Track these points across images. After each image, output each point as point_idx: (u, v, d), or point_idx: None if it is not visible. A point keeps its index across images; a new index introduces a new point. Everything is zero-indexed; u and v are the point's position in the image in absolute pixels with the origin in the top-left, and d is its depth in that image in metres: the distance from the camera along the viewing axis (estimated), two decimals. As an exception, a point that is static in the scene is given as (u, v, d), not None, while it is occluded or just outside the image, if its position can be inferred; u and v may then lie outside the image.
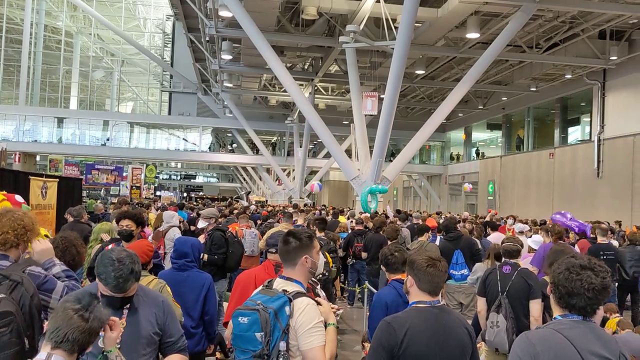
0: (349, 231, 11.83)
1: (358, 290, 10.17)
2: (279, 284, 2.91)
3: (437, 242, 8.73)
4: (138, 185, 34.49)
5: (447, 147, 44.34)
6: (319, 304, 2.91)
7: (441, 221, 10.42)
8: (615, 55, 22.13)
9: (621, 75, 23.48)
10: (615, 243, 10.45)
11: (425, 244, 8.08)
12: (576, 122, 29.52)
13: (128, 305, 2.86)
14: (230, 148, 45.74)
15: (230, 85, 30.86)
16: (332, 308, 3.12)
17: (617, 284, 8.94)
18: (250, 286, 3.78)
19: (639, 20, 20.61)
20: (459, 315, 2.97)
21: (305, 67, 29.48)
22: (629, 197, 22.48)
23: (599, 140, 24.60)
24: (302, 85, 29.49)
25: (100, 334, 2.46)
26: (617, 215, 20.66)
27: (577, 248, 8.62)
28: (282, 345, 2.69)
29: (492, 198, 34.00)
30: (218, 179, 76.04)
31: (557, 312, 2.37)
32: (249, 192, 50.46)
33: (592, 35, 21.85)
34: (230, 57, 24.10)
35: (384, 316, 3.77)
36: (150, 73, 52.40)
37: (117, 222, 5.57)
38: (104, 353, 2.55)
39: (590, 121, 26.01)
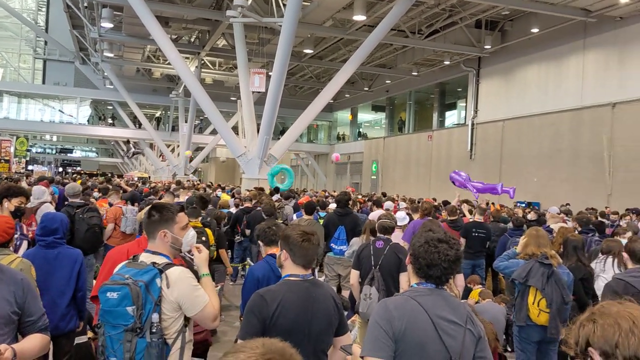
0: (232, 208, 11.77)
1: (241, 267, 10.18)
2: (145, 257, 2.87)
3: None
4: (7, 158, 31.87)
5: (334, 126, 45.24)
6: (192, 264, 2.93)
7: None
8: (489, 45, 23.60)
9: (494, 63, 25.12)
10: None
11: (312, 223, 8.21)
12: (453, 106, 31.26)
13: None
14: (111, 121, 43.51)
15: (111, 55, 29.23)
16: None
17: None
18: (122, 261, 3.65)
19: (510, 12, 22.08)
20: (328, 288, 3.07)
21: (192, 39, 28.65)
22: (498, 178, 24.22)
23: (472, 124, 26.25)
24: (187, 58, 28.63)
25: None
26: (486, 195, 22.21)
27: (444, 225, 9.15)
28: (155, 317, 2.68)
29: (375, 177, 35.26)
30: (97, 153, 72.31)
31: (413, 280, 2.52)
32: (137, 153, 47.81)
33: (469, 24, 23.13)
34: (110, 25, 22.80)
35: (255, 290, 3.82)
36: (22, 38, 48.40)
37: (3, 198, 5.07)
38: None
39: (466, 106, 27.67)
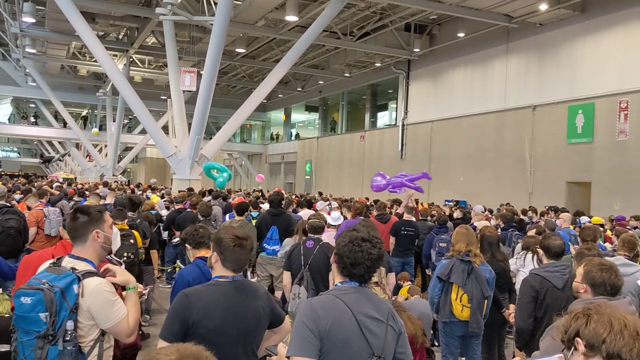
0: (163, 210, 11.53)
1: (170, 270, 9.99)
2: (67, 262, 2.76)
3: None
4: None
5: (268, 126, 45.13)
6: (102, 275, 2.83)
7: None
8: (418, 48, 24.22)
9: (423, 66, 25.81)
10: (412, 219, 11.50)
11: (244, 224, 8.15)
12: (384, 107, 31.88)
13: None
14: (34, 120, 41.57)
15: (34, 51, 27.88)
16: (139, 289, 3.03)
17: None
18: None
19: (438, 16, 22.74)
20: (259, 287, 3.05)
21: (120, 37, 27.79)
22: (427, 178, 24.92)
23: (403, 125, 26.87)
24: (115, 56, 27.80)
25: None
26: (416, 194, 22.76)
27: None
28: (69, 324, 2.58)
29: (309, 177, 35.43)
30: (19, 153, 68.96)
31: (338, 279, 2.57)
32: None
33: (399, 27, 23.65)
34: (33, 20, 21.79)
35: None
36: None
37: None
38: None
39: (396, 107, 28.28)
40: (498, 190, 20.55)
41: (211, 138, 21.13)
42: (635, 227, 10.40)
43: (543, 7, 17.90)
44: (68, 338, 2.59)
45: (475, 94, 22.55)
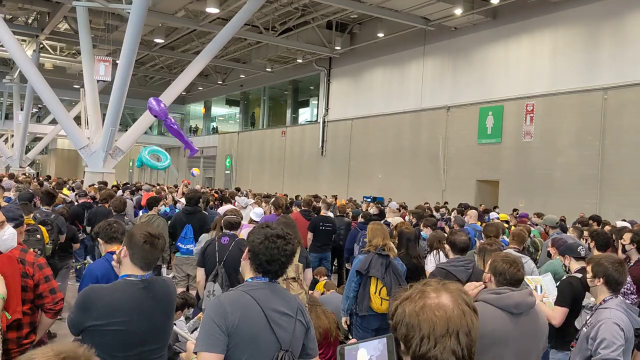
0: (69, 202, 11.05)
1: (79, 267, 9.61)
2: None
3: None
4: None
5: (187, 119, 44.20)
6: None
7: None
8: (339, 46, 24.53)
9: (344, 64, 26.18)
10: (331, 214, 11.67)
11: (154, 218, 7.98)
12: (306, 104, 32.07)
13: None
14: None
15: None
16: None
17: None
18: None
19: (359, 16, 23.14)
20: (165, 286, 3.02)
21: (29, 21, 26.30)
22: (346, 174, 25.35)
23: (324, 122, 27.14)
24: (24, 41, 26.29)
25: None
26: (335, 190, 23.14)
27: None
28: None
29: (229, 172, 35.07)
30: None
31: (249, 275, 2.60)
32: None
33: (321, 25, 23.86)
34: None
35: None
36: None
37: None
38: None
39: (318, 104, 28.52)
40: (413, 187, 21.22)
41: (127, 130, 20.46)
42: (536, 224, 11.05)
43: (458, 11, 18.62)
44: None
45: (394, 94, 23.14)
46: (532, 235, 8.61)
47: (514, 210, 14.85)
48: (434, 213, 12.42)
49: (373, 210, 11.92)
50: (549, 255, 6.01)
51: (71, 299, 8.71)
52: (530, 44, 17.98)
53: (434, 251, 6.28)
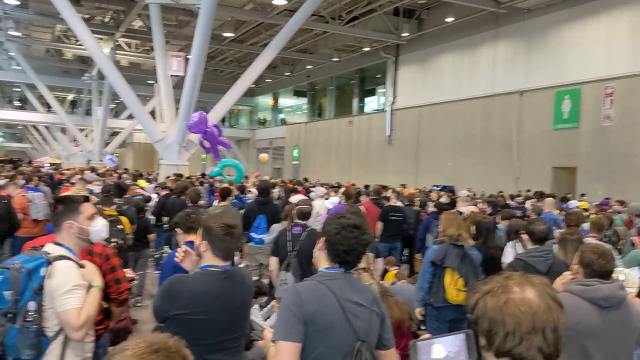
0: (154, 194, 11.49)
1: (157, 256, 9.99)
2: (48, 248, 2.84)
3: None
4: None
5: (256, 111, 44.94)
6: (82, 266, 2.86)
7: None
8: (406, 32, 24.17)
9: (411, 51, 25.77)
10: (401, 204, 11.58)
11: (228, 209, 8.15)
12: (372, 92, 31.84)
13: None
14: (19, 104, 41.03)
15: (18, 34, 27.51)
16: (131, 274, 3.04)
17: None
18: None
19: (427, 1, 22.68)
20: (244, 276, 3.11)
21: (106, 20, 27.43)
22: (414, 163, 25.04)
23: (391, 110, 26.87)
24: (101, 39, 27.43)
25: None
26: (403, 179, 22.91)
27: (362, 208, 9.36)
28: (32, 305, 2.65)
29: (297, 162, 35.41)
30: (4, 138, 68.08)
31: (323, 265, 2.60)
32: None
33: (388, 12, 23.56)
34: (17, 2, 21.45)
35: None
36: None
37: None
38: None
39: (385, 92, 28.26)
40: (485, 175, 20.69)
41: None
42: (619, 212, 10.53)
43: (531, -8, 17.92)
44: (29, 319, 2.64)
45: (463, 79, 22.59)
46: (614, 223, 8.21)
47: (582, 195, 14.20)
48: (509, 201, 12.05)
49: (444, 199, 11.70)
50: (633, 244, 5.73)
51: (150, 286, 9.09)
52: (608, 24, 17.05)
53: (512, 241, 6.09)
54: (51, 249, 2.82)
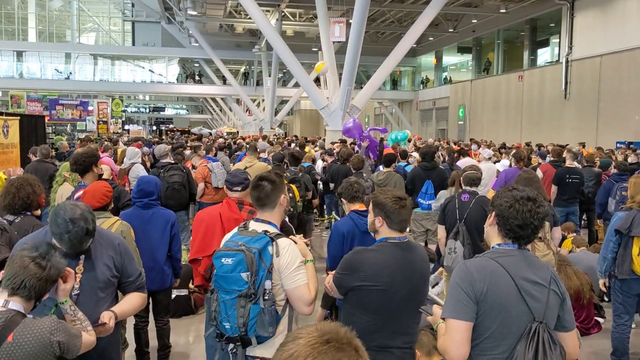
0: (319, 161, 11.89)
1: (325, 220, 10.36)
2: (256, 226, 2.97)
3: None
4: (105, 119, 33.57)
5: (418, 72, 44.12)
6: (295, 242, 2.99)
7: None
8: (584, -26, 21.85)
9: (590, -6, 23.29)
10: (578, 165, 10.68)
11: (391, 176, 8.15)
12: (545, 43, 29.46)
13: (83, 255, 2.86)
14: (198, 79, 44.75)
15: (195, 12, 29.79)
16: (305, 240, 3.18)
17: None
18: (215, 224, 3.80)
19: (609, -64, 20.25)
20: (422, 249, 3.12)
21: (272, -9, 28.56)
22: (594, 118, 22.86)
23: (566, 61, 24.67)
24: (268, 11, 28.66)
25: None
26: (582, 137, 21.08)
27: (539, 172, 8.79)
28: (268, 284, 2.77)
29: (462, 122, 34.27)
30: (188, 110, 74.81)
31: (495, 241, 2.46)
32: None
33: (562, -47, 21.47)
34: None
35: (341, 245, 3.92)
36: (110, 1, 50.22)
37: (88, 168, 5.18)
38: (58, 304, 2.57)
39: (559, 42, 25.99)
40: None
41: (362, 87, 21.16)
42: None
43: None
44: (267, 297, 2.78)
45: (654, 22, 19.93)
46: None
47: None
48: None
49: (631, 158, 10.56)
50: None
51: (318, 248, 9.50)
52: None
53: None
54: (261, 226, 2.96)
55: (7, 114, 13.23)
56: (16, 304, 2.33)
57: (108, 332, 2.72)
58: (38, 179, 4.42)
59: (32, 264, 2.35)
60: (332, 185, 9.64)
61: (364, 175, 8.10)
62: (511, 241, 2.41)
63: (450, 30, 34.06)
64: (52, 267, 2.40)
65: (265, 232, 2.88)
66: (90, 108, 33.83)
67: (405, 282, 2.89)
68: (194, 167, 9.37)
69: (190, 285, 6.37)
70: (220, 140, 20.57)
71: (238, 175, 4.03)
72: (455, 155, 11.22)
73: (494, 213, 2.46)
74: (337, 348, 1.26)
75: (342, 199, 4.31)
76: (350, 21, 16.98)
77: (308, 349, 1.25)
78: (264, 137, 18.79)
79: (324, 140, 18.26)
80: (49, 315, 2.52)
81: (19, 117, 13.12)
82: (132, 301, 3.01)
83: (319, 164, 11.55)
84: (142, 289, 3.09)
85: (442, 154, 12.95)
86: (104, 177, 5.94)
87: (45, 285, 2.39)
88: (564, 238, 7.65)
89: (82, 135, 23.36)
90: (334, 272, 3.04)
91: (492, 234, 2.47)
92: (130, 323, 4.95)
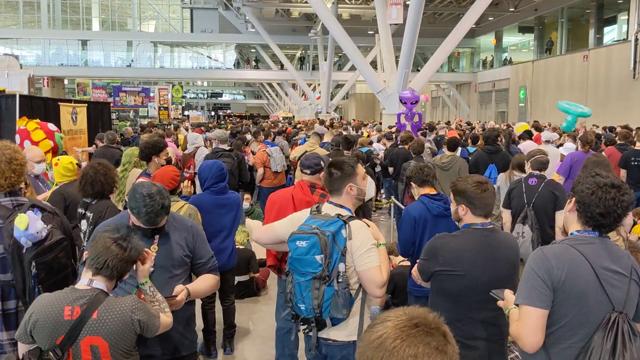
0: (375, 144, 11.82)
1: (385, 204, 10.32)
2: (329, 209, 3.00)
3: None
4: (166, 106, 34.44)
5: (477, 53, 43.04)
6: (368, 225, 3.01)
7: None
8: (657, -54, 20.69)
9: (663, -33, 22.04)
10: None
11: (455, 160, 7.99)
12: (612, 21, 28.13)
13: (159, 234, 2.99)
14: (255, 64, 45.18)
15: (251, -2, 30.06)
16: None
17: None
18: (288, 206, 3.87)
19: None
20: (508, 235, 3.07)
21: (327, -25, 28.42)
22: (666, 99, 21.76)
23: (636, 39, 23.49)
24: (324, -5, 28.52)
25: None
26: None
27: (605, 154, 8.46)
28: (342, 266, 2.80)
29: (523, 105, 33.29)
30: (245, 96, 75.68)
31: (574, 227, 2.38)
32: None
33: None
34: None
35: (412, 230, 3.91)
36: (168, -11, 51.21)
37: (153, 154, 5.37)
38: (138, 285, 2.68)
39: (628, 19, 24.76)
40: None
41: (419, 70, 20.85)
42: None
43: None
44: (340, 279, 2.81)
45: None
46: None
47: None
48: None
49: None
50: None
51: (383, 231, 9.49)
52: None
53: None
54: (335, 210, 2.99)
55: (76, 102, 13.75)
56: (100, 283, 2.45)
57: (178, 306, 2.81)
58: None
59: (114, 244, 2.46)
60: (391, 170, 9.58)
61: (424, 159, 8.01)
62: (591, 228, 2.33)
63: (511, 9, 33.03)
64: (132, 249, 2.51)
65: (339, 215, 2.90)
66: (151, 95, 34.75)
67: (487, 268, 2.84)
68: (253, 152, 9.52)
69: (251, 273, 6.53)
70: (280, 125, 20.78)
71: (310, 158, 4.10)
72: (517, 137, 10.87)
73: (574, 199, 2.38)
74: (426, 332, 1.26)
75: (411, 182, 4.29)
76: (408, 3, 16.72)
77: (397, 331, 1.26)
78: (321, 122, 18.82)
79: (380, 124, 18.12)
80: (131, 294, 2.64)
81: (86, 104, 13.63)
82: (205, 281, 3.11)
83: (377, 147, 11.45)
84: (214, 271, 3.19)
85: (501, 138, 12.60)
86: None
87: (125, 265, 2.50)
88: (634, 224, 7.36)
89: (145, 122, 24.04)
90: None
91: (572, 220, 2.40)
92: (197, 304, 5.11)
